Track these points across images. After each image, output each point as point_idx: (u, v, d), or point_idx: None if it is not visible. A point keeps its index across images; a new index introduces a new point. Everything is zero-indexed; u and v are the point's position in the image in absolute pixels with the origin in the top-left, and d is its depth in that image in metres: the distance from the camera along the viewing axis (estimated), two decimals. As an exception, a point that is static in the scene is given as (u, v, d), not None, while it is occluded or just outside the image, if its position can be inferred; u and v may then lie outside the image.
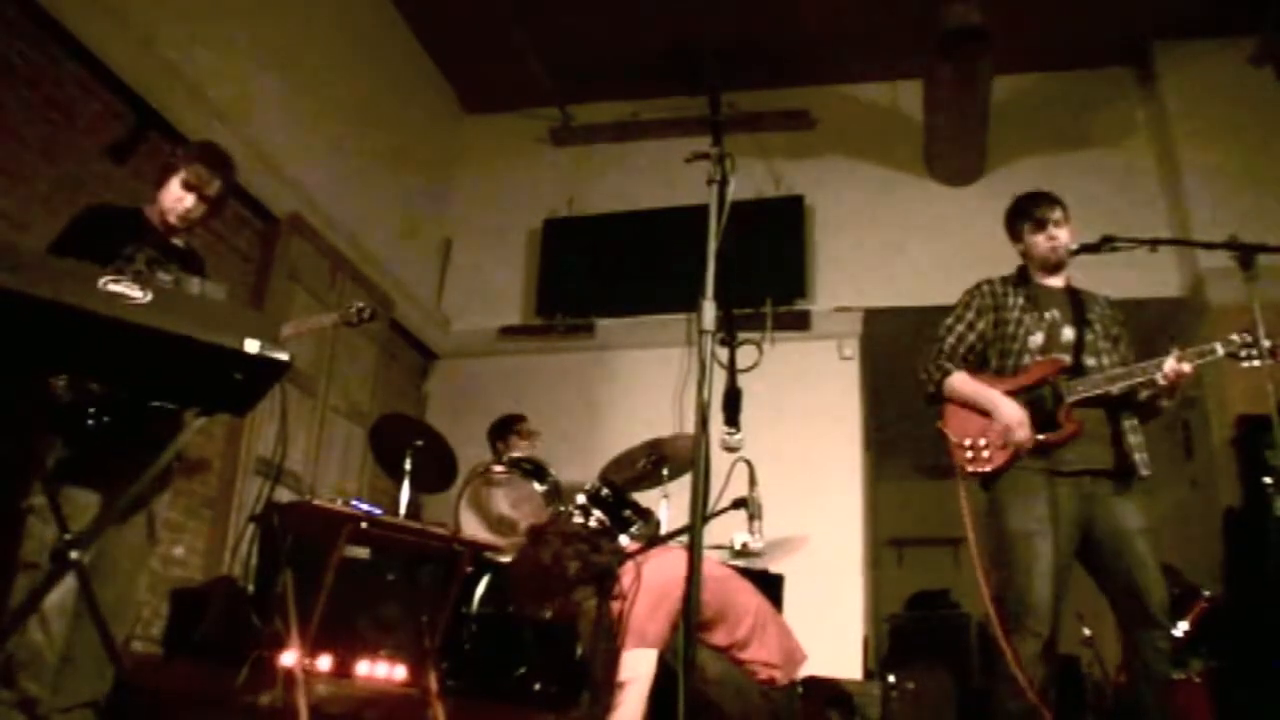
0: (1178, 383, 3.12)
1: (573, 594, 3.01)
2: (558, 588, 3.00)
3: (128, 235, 2.99)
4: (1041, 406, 3.21)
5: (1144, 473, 3.18)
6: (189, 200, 3.07)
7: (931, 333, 3.54)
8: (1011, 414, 3.20)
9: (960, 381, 3.38)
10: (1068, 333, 3.33)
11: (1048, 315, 3.36)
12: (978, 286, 3.52)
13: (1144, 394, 3.21)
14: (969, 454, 3.28)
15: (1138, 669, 3.05)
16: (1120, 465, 3.18)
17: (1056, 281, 3.46)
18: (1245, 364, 3.06)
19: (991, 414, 3.26)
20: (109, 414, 2.74)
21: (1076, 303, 3.40)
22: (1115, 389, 3.17)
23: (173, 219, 3.08)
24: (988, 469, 3.25)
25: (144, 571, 3.05)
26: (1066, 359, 3.27)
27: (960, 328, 3.46)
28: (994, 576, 3.14)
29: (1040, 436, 3.18)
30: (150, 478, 2.50)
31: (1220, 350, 3.08)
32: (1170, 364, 3.08)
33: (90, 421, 2.70)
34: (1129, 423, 3.24)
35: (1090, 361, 3.29)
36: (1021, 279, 3.49)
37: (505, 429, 5.61)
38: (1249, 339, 3.05)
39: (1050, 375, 3.24)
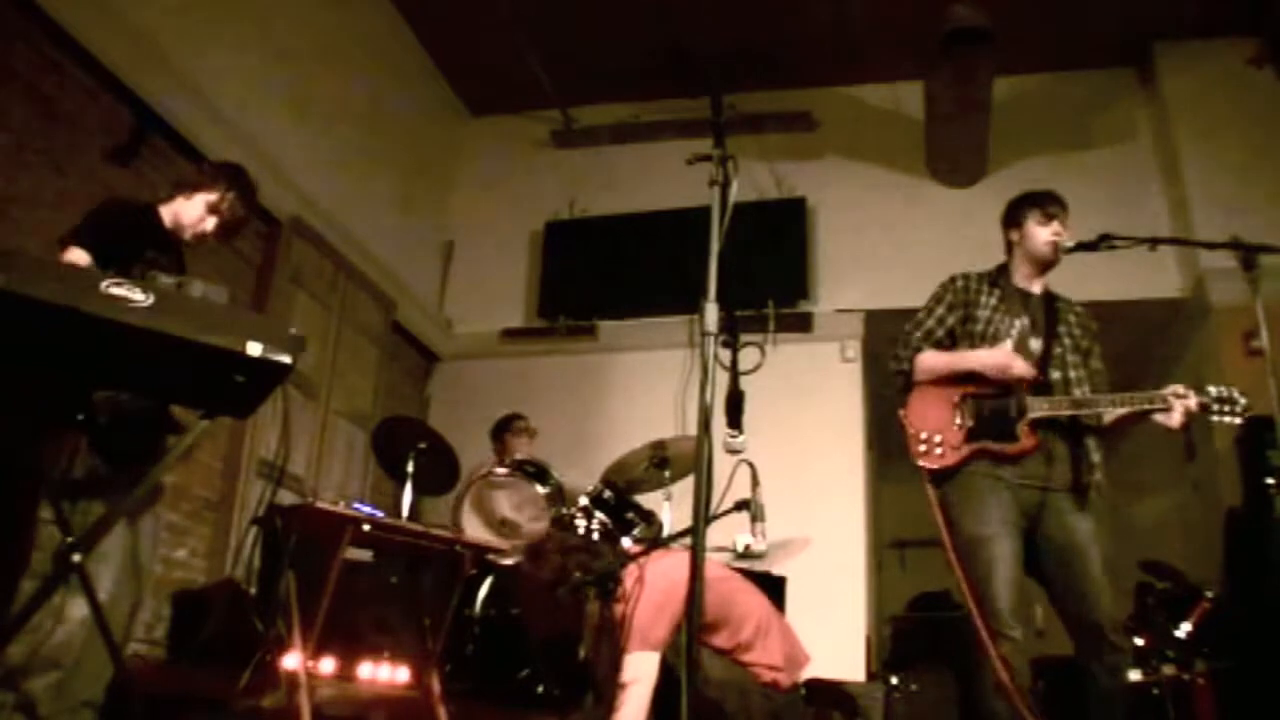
0: (1146, 419, 3.15)
1: (581, 603, 3.02)
2: (567, 598, 3.01)
3: (145, 237, 3.00)
4: (1004, 415, 3.21)
5: (1100, 492, 3.19)
6: (210, 224, 3.09)
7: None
8: (996, 358, 3.22)
9: (931, 356, 3.39)
10: (1035, 344, 3.33)
11: (1019, 322, 3.35)
12: (951, 280, 3.52)
13: (1108, 419, 3.21)
14: (922, 447, 3.29)
15: (1090, 684, 3.05)
16: (1076, 484, 3.18)
17: (1036, 286, 3.45)
18: (1215, 419, 3.09)
19: (975, 370, 3.26)
20: (139, 433, 2.76)
21: (1050, 311, 3.39)
22: (1075, 414, 3.19)
23: (187, 235, 3.09)
24: (937, 465, 3.26)
25: (140, 579, 3.06)
26: (1033, 371, 3.27)
27: (930, 322, 3.47)
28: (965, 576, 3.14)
29: (996, 446, 3.19)
30: (154, 481, 2.51)
31: (1193, 401, 3.09)
32: (1139, 407, 3.12)
33: (123, 446, 2.72)
34: (1092, 441, 3.25)
35: (1055, 375, 3.28)
36: (1000, 278, 3.47)
37: (502, 429, 5.63)
38: (1225, 393, 3.07)
39: (1015, 385, 3.24)
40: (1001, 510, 3.12)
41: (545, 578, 3.05)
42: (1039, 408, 3.18)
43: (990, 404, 3.25)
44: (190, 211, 3.08)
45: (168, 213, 3.10)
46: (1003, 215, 3.54)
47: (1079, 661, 3.11)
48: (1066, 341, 3.35)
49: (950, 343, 3.43)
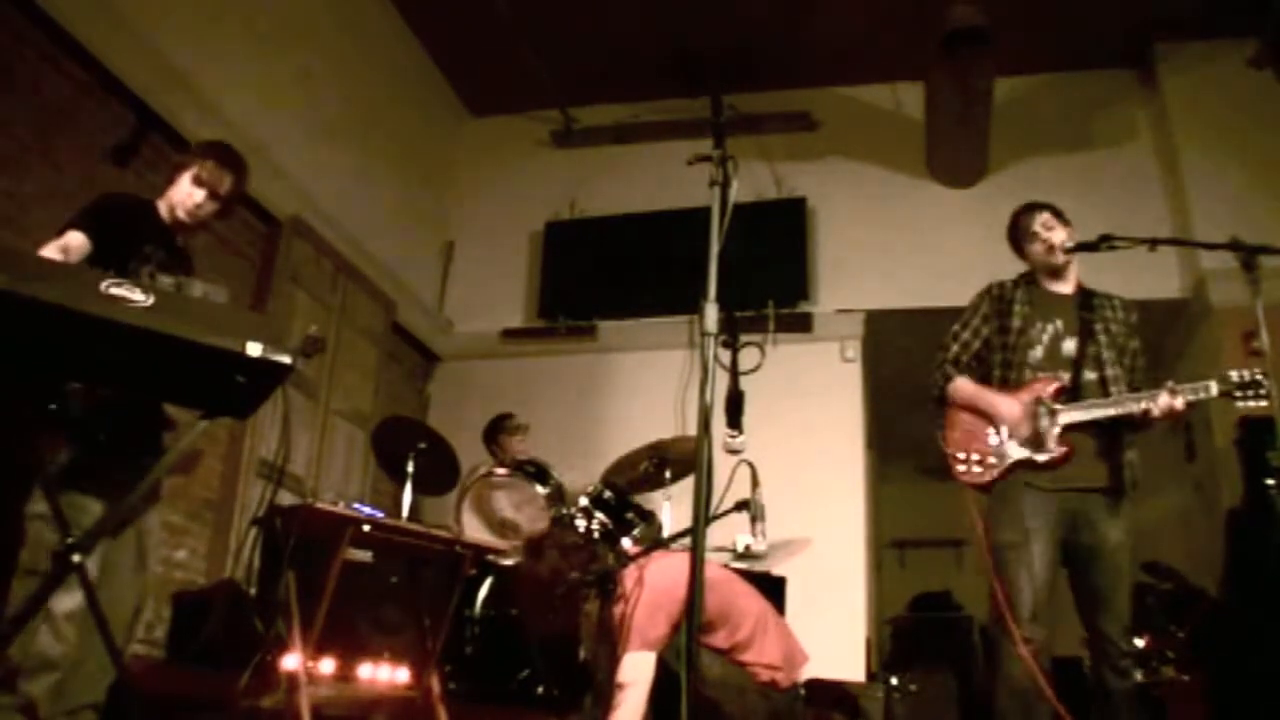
0: (1169, 418, 3.10)
1: (578, 602, 3.02)
2: (562, 599, 3.01)
3: (144, 230, 2.98)
4: (1035, 426, 3.22)
5: (1131, 490, 3.20)
6: (199, 196, 3.05)
7: (940, 337, 3.56)
8: (1010, 412, 3.25)
9: (963, 385, 3.42)
10: (1068, 345, 3.32)
11: (1050, 326, 3.36)
12: (987, 289, 3.54)
13: (1138, 415, 3.17)
14: (962, 467, 3.34)
15: (1100, 686, 3.10)
16: (1113, 482, 3.19)
17: (1065, 287, 3.44)
18: (1241, 404, 3.03)
19: (994, 415, 3.29)
20: (119, 424, 2.74)
21: (1085, 309, 3.38)
22: (1106, 415, 3.17)
23: (182, 214, 3.05)
24: (981, 481, 3.29)
25: (144, 577, 3.04)
26: (1065, 376, 3.27)
27: (966, 335, 3.50)
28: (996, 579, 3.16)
29: (1035, 456, 3.20)
30: (153, 480, 2.51)
31: (1215, 389, 3.05)
32: (1163, 400, 3.06)
33: (101, 436, 2.70)
34: (1128, 438, 3.24)
35: (1090, 375, 3.28)
36: (1030, 283, 3.49)
37: (494, 431, 5.61)
38: (1247, 378, 3.02)
39: (1045, 395, 3.24)
40: (1034, 518, 3.14)
41: (543, 574, 3.04)
42: (1070, 414, 3.19)
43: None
44: (179, 192, 3.06)
45: (164, 205, 3.08)
46: (1007, 241, 3.58)
47: (1091, 661, 3.14)
48: (1103, 339, 3.33)
49: (986, 352, 3.46)
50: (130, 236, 2.90)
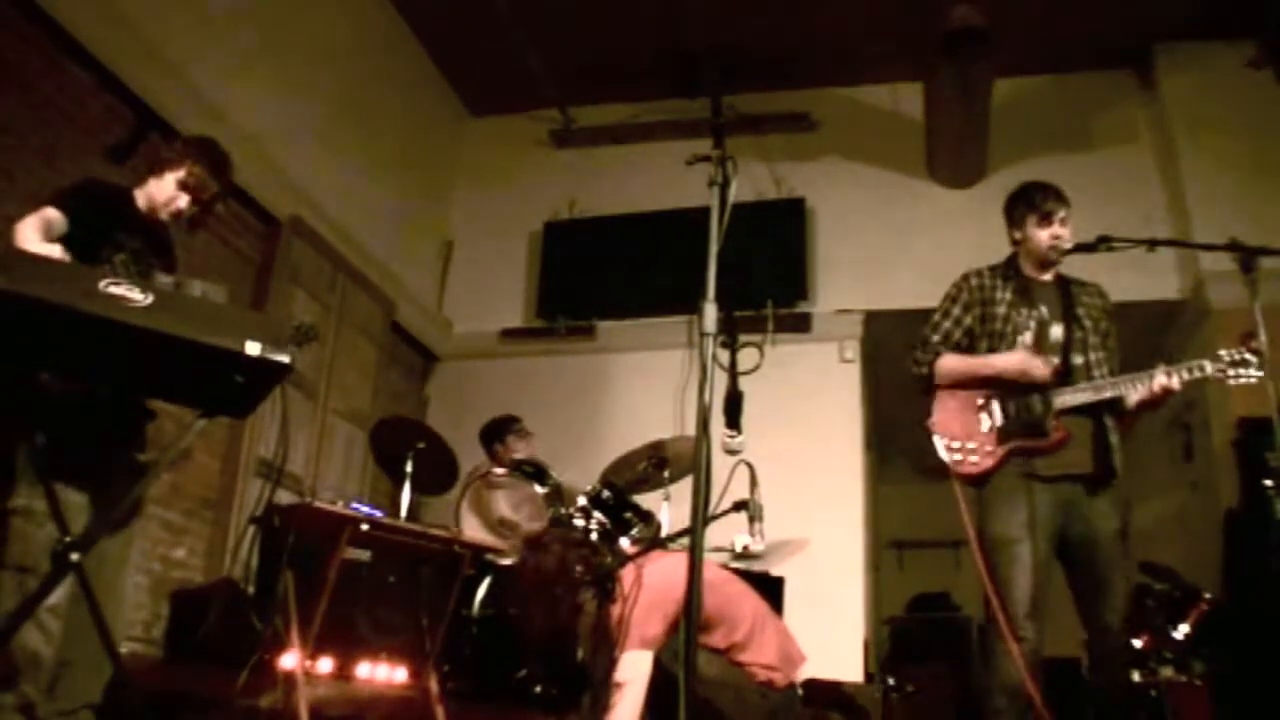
0: (1164, 398, 3.13)
1: (579, 597, 3.02)
2: (565, 593, 3.00)
3: (117, 219, 2.96)
4: (1032, 410, 3.22)
5: (1118, 473, 3.21)
6: (182, 202, 3.03)
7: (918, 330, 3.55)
8: (1015, 362, 3.23)
9: (951, 360, 3.39)
10: (1056, 331, 3.32)
11: (1036, 312, 3.35)
12: (965, 278, 3.51)
13: (1132, 401, 3.18)
14: (956, 456, 3.30)
15: (1098, 672, 3.13)
16: (1099, 469, 3.20)
17: (1047, 275, 3.44)
18: (1233, 382, 3.06)
19: (997, 374, 3.27)
20: (96, 415, 2.73)
21: (1066, 296, 3.39)
22: (1103, 398, 3.18)
23: (162, 215, 3.04)
24: (974, 471, 3.26)
25: (129, 572, 3.03)
26: (1055, 361, 3.26)
27: (947, 324, 3.46)
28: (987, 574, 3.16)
29: (1030, 443, 3.19)
30: (153, 478, 2.50)
31: (1209, 368, 3.08)
32: (1159, 380, 3.09)
33: (75, 427, 2.67)
34: (1110, 422, 3.25)
35: (1078, 360, 3.29)
36: (1011, 270, 3.46)
37: (502, 431, 5.59)
38: (1238, 356, 3.05)
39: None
40: (1030, 511, 3.12)
41: (547, 568, 3.04)
42: (1064, 398, 3.18)
43: (1015, 400, 3.25)
44: (162, 191, 3.04)
45: (142, 195, 3.06)
46: (1004, 208, 3.54)
47: (1089, 654, 3.14)
48: (1087, 324, 3.34)
49: (969, 342, 3.43)
50: (106, 223, 2.89)
